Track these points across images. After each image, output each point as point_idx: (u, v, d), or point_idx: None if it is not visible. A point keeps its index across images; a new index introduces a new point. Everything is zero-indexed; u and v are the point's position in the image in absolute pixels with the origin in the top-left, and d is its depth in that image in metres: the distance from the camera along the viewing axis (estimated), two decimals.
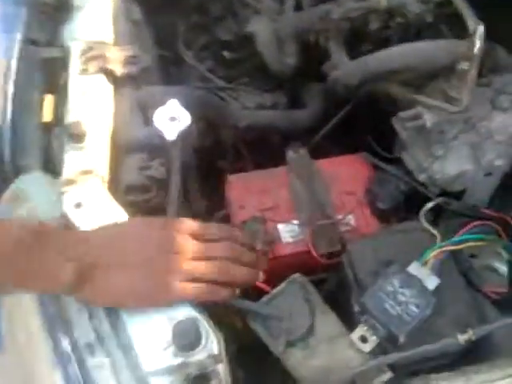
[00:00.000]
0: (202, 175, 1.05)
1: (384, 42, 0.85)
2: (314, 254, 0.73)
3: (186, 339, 0.53)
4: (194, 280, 0.56)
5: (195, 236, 0.61)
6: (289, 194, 0.83)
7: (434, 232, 0.67)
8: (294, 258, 0.78)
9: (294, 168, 0.85)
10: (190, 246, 0.59)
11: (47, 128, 0.79)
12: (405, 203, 0.77)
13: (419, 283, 0.59)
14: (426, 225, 0.68)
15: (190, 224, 0.62)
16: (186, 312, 0.56)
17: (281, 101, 1.08)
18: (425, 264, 0.62)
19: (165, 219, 0.65)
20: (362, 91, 0.81)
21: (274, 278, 0.73)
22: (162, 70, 1.01)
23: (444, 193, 0.75)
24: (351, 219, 0.80)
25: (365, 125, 1.02)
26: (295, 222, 0.80)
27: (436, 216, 0.73)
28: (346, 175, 0.86)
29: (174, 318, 0.55)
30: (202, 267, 0.58)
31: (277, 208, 0.81)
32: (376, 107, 0.93)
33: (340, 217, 0.80)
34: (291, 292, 0.66)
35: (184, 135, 0.77)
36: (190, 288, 0.56)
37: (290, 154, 0.87)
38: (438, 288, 0.60)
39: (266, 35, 0.99)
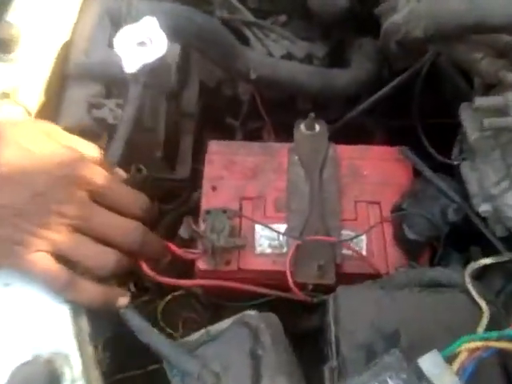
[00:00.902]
0: (203, 132, 0.83)
1: None
2: (290, 281, 0.50)
3: None
4: (58, 257, 0.42)
5: (98, 194, 0.44)
6: (284, 185, 0.58)
7: (482, 303, 0.41)
8: (265, 278, 0.54)
9: (301, 149, 0.60)
10: (78, 207, 0.43)
11: None
12: (447, 240, 0.51)
13: None
14: (471, 287, 0.42)
15: (100, 175, 0.45)
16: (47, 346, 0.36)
17: (318, 54, 0.81)
18: (451, 359, 0.37)
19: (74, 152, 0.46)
20: (425, 53, 0.53)
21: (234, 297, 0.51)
22: None
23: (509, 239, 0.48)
24: (363, 241, 0.55)
25: (420, 108, 0.74)
26: (281, 226, 0.55)
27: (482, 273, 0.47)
28: (373, 174, 0.60)
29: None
30: (80, 244, 0.43)
31: (262, 200, 0.57)
32: (440, 84, 0.65)
33: (347, 234, 0.55)
34: (236, 337, 0.44)
35: (153, 70, 0.54)
36: (42, 266, 0.41)
37: (300, 127, 0.62)
38: None
39: None
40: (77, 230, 0.43)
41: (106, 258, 0.44)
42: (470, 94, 0.56)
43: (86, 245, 0.43)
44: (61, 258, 0.42)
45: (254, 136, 0.85)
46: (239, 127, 0.87)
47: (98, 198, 0.45)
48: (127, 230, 0.45)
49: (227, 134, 0.87)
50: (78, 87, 0.58)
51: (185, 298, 0.63)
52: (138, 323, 0.41)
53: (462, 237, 0.56)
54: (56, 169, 0.42)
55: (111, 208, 0.46)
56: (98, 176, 0.45)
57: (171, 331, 0.60)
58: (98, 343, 0.53)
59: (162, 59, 0.54)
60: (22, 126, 0.45)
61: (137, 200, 0.49)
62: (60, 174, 0.42)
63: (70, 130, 0.57)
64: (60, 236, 0.42)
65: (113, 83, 0.59)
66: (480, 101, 0.40)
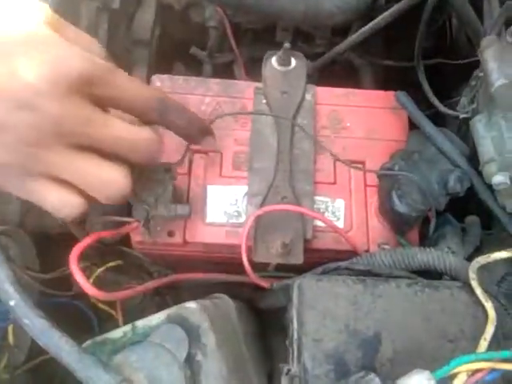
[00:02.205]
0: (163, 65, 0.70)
1: None
2: (245, 260, 0.39)
3: None
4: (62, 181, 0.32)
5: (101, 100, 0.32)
6: (247, 136, 0.46)
7: (488, 306, 0.31)
8: (217, 252, 0.44)
9: (271, 90, 0.47)
10: (80, 122, 0.30)
11: None
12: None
13: None
14: (476, 285, 0.32)
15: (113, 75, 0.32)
16: None
17: None
18: (450, 380, 0.28)
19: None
20: None
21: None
22: None
23: None
24: (339, 211, 0.44)
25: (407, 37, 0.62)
26: (241, 189, 0.44)
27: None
28: (358, 127, 0.48)
29: None
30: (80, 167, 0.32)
31: (217, 155, 0.45)
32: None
33: (321, 200, 0.44)
34: (169, 339, 0.33)
35: None
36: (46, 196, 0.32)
37: (271, 61, 0.48)
38: None
39: None
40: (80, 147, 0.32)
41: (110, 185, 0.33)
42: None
43: (88, 167, 0.32)
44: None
45: (222, 72, 0.73)
46: (207, 60, 0.74)
47: (106, 103, 0.32)
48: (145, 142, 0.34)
49: (193, 69, 0.74)
50: None
51: (126, 266, 0.53)
52: (31, 321, 0.30)
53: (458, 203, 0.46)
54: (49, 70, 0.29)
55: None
56: (110, 76, 0.32)
57: (111, 311, 0.51)
58: None
59: None
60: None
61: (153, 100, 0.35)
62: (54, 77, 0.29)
63: None
64: (59, 157, 0.31)
65: None
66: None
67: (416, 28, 0.60)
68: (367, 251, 0.43)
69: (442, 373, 0.28)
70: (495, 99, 0.34)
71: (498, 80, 0.32)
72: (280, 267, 0.43)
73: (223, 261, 0.45)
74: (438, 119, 0.50)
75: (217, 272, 0.45)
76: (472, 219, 0.46)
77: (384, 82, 0.70)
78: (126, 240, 0.49)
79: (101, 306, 0.50)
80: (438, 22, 0.69)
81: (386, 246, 0.43)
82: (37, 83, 0.28)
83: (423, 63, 0.59)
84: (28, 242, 0.47)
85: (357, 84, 0.69)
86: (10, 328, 0.43)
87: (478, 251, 0.45)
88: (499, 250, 0.32)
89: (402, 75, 0.68)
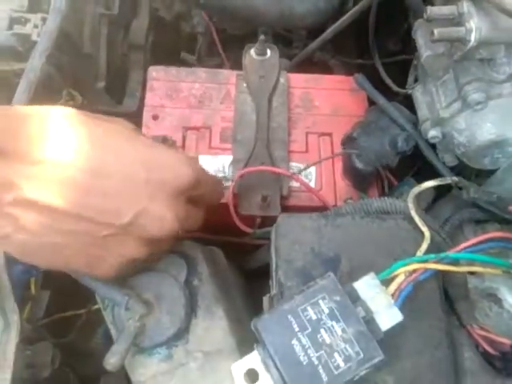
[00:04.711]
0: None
1: None
2: (233, 213, 0.47)
3: None
4: None
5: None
6: (232, 114, 0.54)
7: (424, 229, 0.40)
8: (208, 212, 0.52)
9: (250, 75, 0.56)
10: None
11: None
12: (397, 170, 0.49)
13: (366, 316, 0.34)
14: (414, 213, 0.40)
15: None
16: None
17: None
18: (388, 282, 0.36)
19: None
20: None
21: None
22: None
23: (459, 168, 0.47)
24: (311, 174, 0.53)
25: (383, 45, 0.71)
26: (227, 158, 0.52)
27: (434, 202, 0.46)
28: (326, 105, 0.56)
29: None
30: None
31: (207, 131, 0.54)
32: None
33: (296, 166, 0.53)
34: (171, 267, 0.41)
35: None
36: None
37: (250, 52, 0.57)
38: (397, 329, 0.35)
39: None
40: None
41: None
42: None
43: None
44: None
45: None
46: (196, 64, 0.83)
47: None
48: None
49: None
50: None
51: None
52: None
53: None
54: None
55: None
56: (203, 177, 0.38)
57: None
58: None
59: None
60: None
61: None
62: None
63: None
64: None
65: None
66: (432, 10, 0.36)
67: (385, 29, 0.69)
68: (335, 206, 0.52)
69: (385, 274, 0.36)
70: (425, 69, 0.42)
71: (425, 52, 0.41)
72: (264, 224, 0.51)
73: (215, 222, 0.53)
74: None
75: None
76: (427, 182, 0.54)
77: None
78: None
79: None
80: (404, 26, 0.78)
81: (350, 201, 0.51)
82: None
83: (392, 60, 0.68)
84: None
85: None
86: (33, 280, 0.50)
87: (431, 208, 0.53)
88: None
89: (375, 72, 0.78)
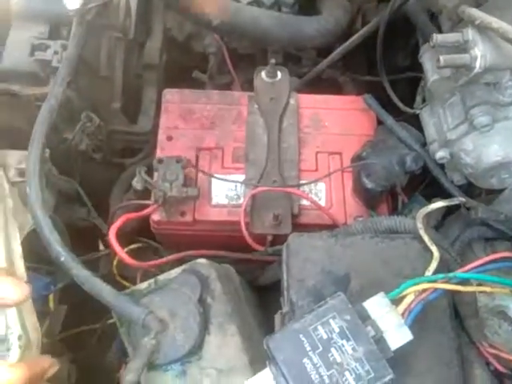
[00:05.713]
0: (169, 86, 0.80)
1: None
2: (244, 232, 0.48)
3: None
4: None
5: None
6: (243, 135, 0.56)
7: (433, 248, 0.40)
8: (221, 229, 0.53)
9: (261, 97, 0.57)
10: None
11: None
12: (406, 184, 0.50)
13: (376, 335, 0.35)
14: (423, 233, 0.41)
15: None
16: None
17: (287, 0, 0.77)
18: (398, 301, 0.37)
19: None
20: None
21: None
22: None
23: (467, 188, 0.47)
24: (321, 192, 0.54)
25: (392, 63, 0.72)
26: (239, 177, 0.54)
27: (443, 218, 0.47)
28: (335, 124, 0.58)
29: None
30: None
31: (219, 151, 0.55)
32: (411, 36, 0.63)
33: (306, 183, 0.54)
34: (185, 285, 0.42)
35: (99, 9, 0.50)
36: None
37: (261, 74, 0.59)
38: (407, 347, 0.36)
39: None
40: None
41: None
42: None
43: None
44: None
45: None
46: (208, 82, 0.85)
47: None
48: None
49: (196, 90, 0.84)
50: (21, 28, 0.54)
51: (143, 250, 0.62)
52: (78, 272, 0.39)
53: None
54: None
55: None
56: None
57: (129, 284, 0.59)
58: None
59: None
60: None
61: None
62: None
63: (14, 72, 0.54)
64: None
65: (60, 23, 0.55)
66: (438, 38, 0.38)
67: (393, 43, 0.70)
68: (345, 224, 0.53)
69: (394, 294, 0.37)
70: (432, 92, 0.44)
71: (432, 76, 0.42)
72: (275, 242, 0.52)
73: (227, 240, 0.54)
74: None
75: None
76: (436, 199, 0.55)
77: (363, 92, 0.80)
78: (143, 231, 0.58)
79: (124, 282, 0.59)
80: (411, 43, 0.79)
81: (360, 219, 0.52)
82: None
83: (399, 77, 0.69)
84: (63, 227, 0.56)
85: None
86: (51, 297, 0.52)
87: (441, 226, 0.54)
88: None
89: (379, 87, 0.79)
